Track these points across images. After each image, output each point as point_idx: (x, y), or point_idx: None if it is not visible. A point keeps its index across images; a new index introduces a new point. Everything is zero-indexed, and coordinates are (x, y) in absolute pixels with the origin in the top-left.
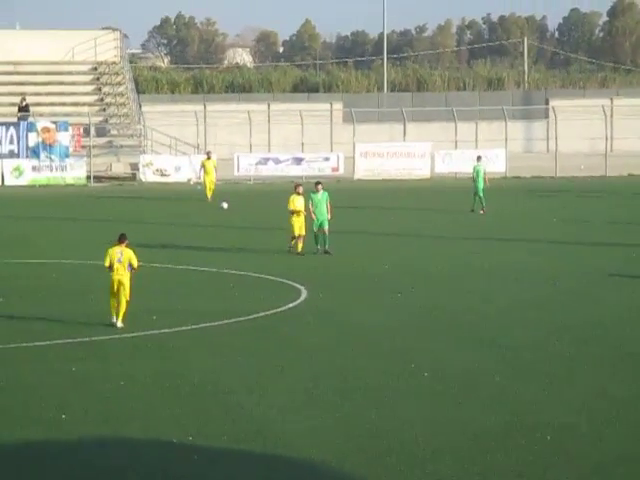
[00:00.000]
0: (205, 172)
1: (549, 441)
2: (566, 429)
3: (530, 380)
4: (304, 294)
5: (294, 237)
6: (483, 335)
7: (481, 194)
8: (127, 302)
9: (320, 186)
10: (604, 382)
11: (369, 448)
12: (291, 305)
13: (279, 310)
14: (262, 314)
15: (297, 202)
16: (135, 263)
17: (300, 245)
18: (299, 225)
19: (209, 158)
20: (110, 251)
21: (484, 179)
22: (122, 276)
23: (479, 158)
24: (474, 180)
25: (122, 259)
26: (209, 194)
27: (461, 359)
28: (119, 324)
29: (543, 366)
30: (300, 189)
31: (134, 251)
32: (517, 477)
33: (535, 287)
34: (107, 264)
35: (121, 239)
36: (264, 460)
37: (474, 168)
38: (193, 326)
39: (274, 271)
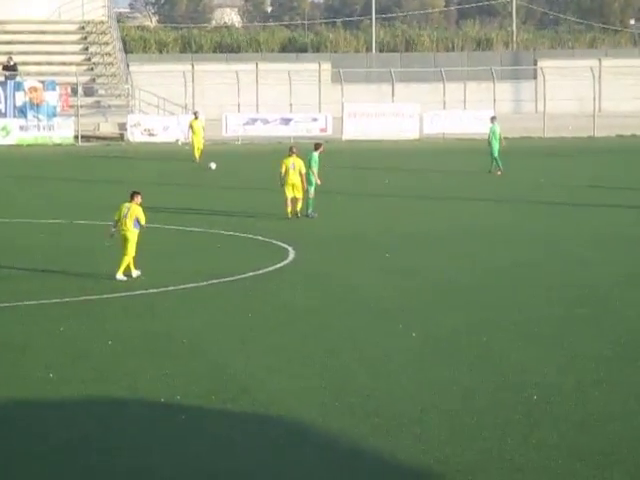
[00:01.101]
0: (193, 132)
1: (535, 400)
2: (553, 389)
3: (517, 340)
4: (292, 254)
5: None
6: (471, 296)
7: (496, 155)
8: (127, 256)
9: (322, 147)
10: (592, 343)
11: (357, 408)
12: (279, 265)
13: (267, 270)
14: (250, 274)
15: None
16: (142, 220)
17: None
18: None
19: (197, 118)
20: (121, 206)
21: (500, 140)
22: (126, 231)
23: (494, 118)
24: (489, 141)
25: (128, 214)
26: (197, 154)
27: (449, 320)
28: (118, 276)
29: (531, 327)
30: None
31: (144, 210)
32: (503, 436)
33: (525, 249)
34: (115, 218)
35: (132, 196)
36: (252, 419)
37: (490, 129)
38: (181, 286)
39: (262, 232)
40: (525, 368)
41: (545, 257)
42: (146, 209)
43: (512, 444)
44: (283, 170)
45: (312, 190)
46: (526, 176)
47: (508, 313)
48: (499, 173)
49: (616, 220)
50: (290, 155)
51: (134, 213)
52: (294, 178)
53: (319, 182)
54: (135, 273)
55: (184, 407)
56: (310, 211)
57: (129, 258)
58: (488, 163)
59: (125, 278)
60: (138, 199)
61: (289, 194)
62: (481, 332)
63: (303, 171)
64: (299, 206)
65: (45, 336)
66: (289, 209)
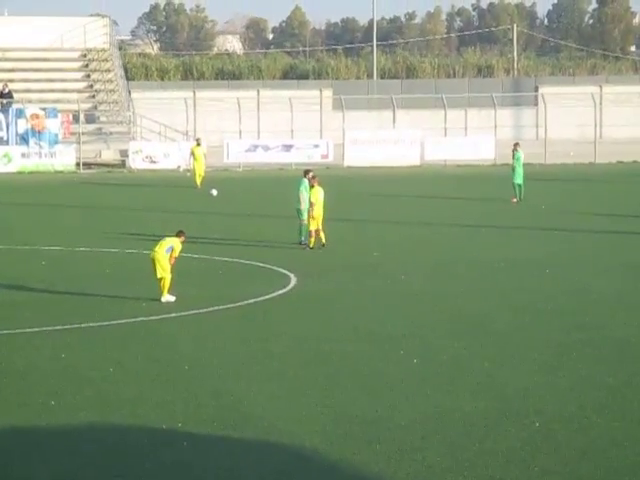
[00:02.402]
0: (194, 159)
1: (537, 427)
2: (554, 415)
3: (519, 366)
4: (293, 281)
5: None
6: (472, 321)
7: (521, 182)
8: (164, 278)
9: (311, 174)
10: (593, 369)
11: (358, 435)
12: (280, 292)
13: (268, 297)
14: (251, 301)
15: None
16: (175, 252)
17: (313, 240)
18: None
19: (198, 145)
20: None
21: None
22: (156, 253)
23: (517, 145)
24: (513, 168)
25: (163, 243)
26: (198, 181)
27: (450, 345)
28: (163, 299)
29: (532, 352)
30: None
31: (182, 245)
32: (505, 463)
33: (527, 275)
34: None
35: (178, 234)
36: (254, 446)
37: (515, 156)
38: (182, 313)
39: (263, 258)
40: (527, 394)
41: (547, 283)
42: (147, 236)
43: (514, 471)
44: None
45: (306, 217)
46: (528, 203)
47: (509, 339)
48: (515, 200)
49: (617, 246)
50: (312, 185)
51: (170, 243)
52: (320, 209)
53: (303, 208)
54: (165, 299)
55: (186, 434)
56: (303, 238)
57: (168, 278)
58: (496, 189)
59: (173, 298)
60: (182, 237)
61: (313, 226)
62: (483, 358)
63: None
64: (322, 236)
65: (46, 363)
66: (312, 239)
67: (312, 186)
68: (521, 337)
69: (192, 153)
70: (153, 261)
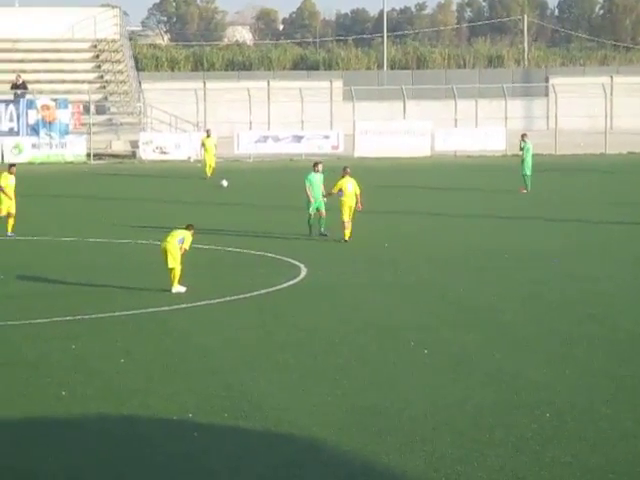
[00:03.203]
0: (205, 150)
1: (548, 418)
2: (565, 407)
3: (529, 358)
4: (304, 272)
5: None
6: (482, 312)
7: (529, 173)
8: (174, 268)
9: (320, 166)
10: (603, 361)
11: (369, 425)
12: (291, 283)
13: (279, 288)
14: (262, 292)
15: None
16: (186, 243)
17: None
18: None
19: (209, 136)
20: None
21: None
22: (167, 243)
23: (525, 136)
24: (523, 159)
25: (174, 234)
26: (209, 172)
27: (460, 337)
28: (173, 289)
29: (542, 343)
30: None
31: (192, 238)
32: (516, 454)
33: (534, 266)
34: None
35: (188, 226)
36: (264, 437)
37: (524, 147)
38: (193, 304)
39: (274, 249)
40: (537, 386)
41: (557, 274)
42: (158, 227)
43: (525, 462)
44: (336, 190)
45: (323, 209)
46: (539, 193)
47: (519, 330)
48: (524, 191)
49: (628, 238)
50: (344, 176)
51: (182, 234)
52: (350, 200)
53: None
54: (176, 289)
55: (196, 425)
56: (323, 229)
57: (179, 268)
58: (505, 180)
59: (184, 289)
60: (192, 230)
61: (345, 217)
62: (493, 349)
63: (358, 192)
64: (348, 230)
65: (57, 354)
66: (347, 232)
67: (343, 176)
68: (531, 328)
69: (203, 144)
70: (165, 251)
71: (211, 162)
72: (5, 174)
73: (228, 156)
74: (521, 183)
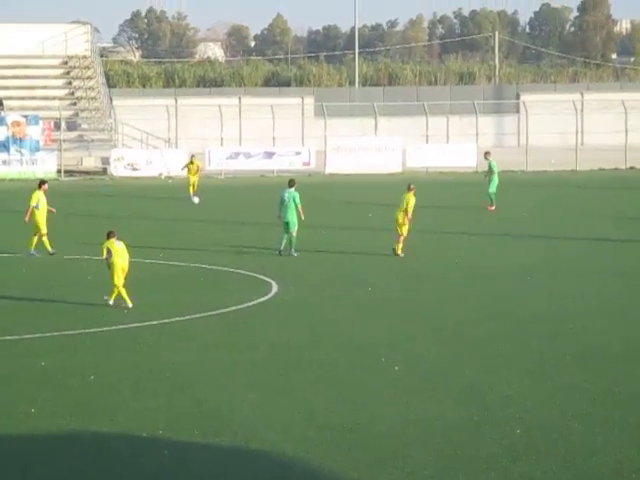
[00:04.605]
0: (189, 172)
1: (518, 434)
2: (535, 422)
3: (500, 374)
4: (275, 288)
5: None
6: (453, 329)
7: (495, 190)
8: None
9: (292, 183)
10: (573, 376)
11: (340, 442)
12: (262, 299)
13: (250, 304)
14: (233, 308)
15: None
16: (104, 253)
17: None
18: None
19: (192, 162)
20: (107, 243)
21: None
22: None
23: (487, 154)
24: (491, 177)
25: (121, 243)
26: (191, 190)
27: (431, 353)
28: (112, 302)
29: (513, 359)
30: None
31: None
32: (486, 470)
33: (508, 282)
34: (106, 254)
35: (110, 234)
36: (235, 454)
37: (490, 164)
38: (163, 320)
39: (245, 266)
40: (508, 402)
41: (529, 290)
42: (129, 243)
43: (495, 478)
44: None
45: (296, 228)
46: (509, 210)
47: (491, 346)
48: (492, 209)
49: (599, 253)
50: (408, 191)
51: (107, 245)
52: (397, 215)
53: (303, 218)
54: (107, 297)
55: (167, 442)
56: (293, 250)
57: (115, 286)
58: (478, 197)
59: (107, 300)
60: (111, 237)
61: (405, 231)
62: (464, 366)
63: (409, 209)
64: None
65: (27, 371)
66: (399, 247)
67: (409, 191)
68: (502, 344)
69: (188, 168)
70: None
71: (194, 183)
72: (37, 192)
73: (199, 172)
74: (487, 201)
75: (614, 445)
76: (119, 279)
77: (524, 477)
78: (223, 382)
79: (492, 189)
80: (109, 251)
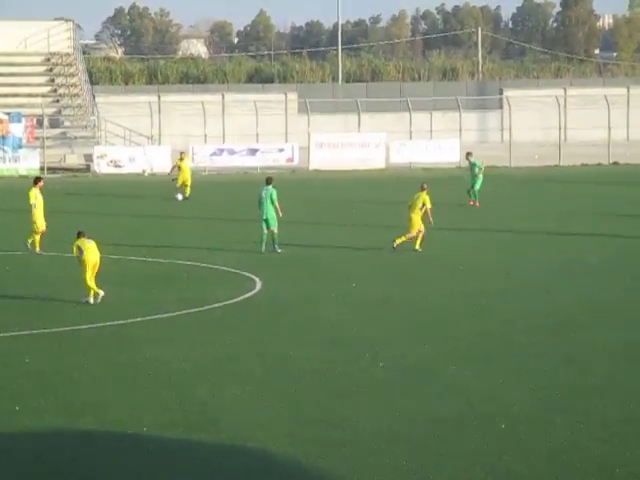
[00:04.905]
0: (181, 170)
1: (503, 429)
2: (520, 418)
3: (484, 369)
4: (259, 285)
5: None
6: (437, 325)
7: (479, 187)
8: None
9: (269, 181)
10: (557, 371)
11: (324, 438)
12: (246, 296)
13: (234, 301)
14: (217, 305)
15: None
16: (74, 251)
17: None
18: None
19: (182, 159)
20: (78, 242)
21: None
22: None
23: (469, 154)
24: (474, 175)
25: (91, 241)
26: (187, 191)
27: (416, 349)
28: (91, 300)
29: (496, 355)
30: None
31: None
32: (471, 465)
33: (491, 278)
34: (77, 253)
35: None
36: (220, 450)
37: (474, 163)
38: (147, 317)
39: (229, 262)
40: (492, 397)
41: (509, 286)
42: (113, 239)
43: (480, 473)
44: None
45: (276, 225)
46: (492, 205)
47: (474, 342)
48: (473, 204)
49: (581, 248)
50: (422, 191)
51: (78, 243)
52: (410, 214)
53: (281, 215)
54: (85, 299)
55: (151, 438)
56: (277, 246)
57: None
58: (461, 193)
59: (87, 301)
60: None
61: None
62: (449, 361)
63: (427, 207)
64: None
65: (10, 368)
66: (399, 239)
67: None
68: (485, 340)
69: (178, 167)
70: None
71: (186, 181)
72: (33, 190)
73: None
74: (472, 197)
75: (598, 441)
76: (91, 277)
77: (509, 472)
78: (207, 378)
79: (478, 186)
80: (80, 249)
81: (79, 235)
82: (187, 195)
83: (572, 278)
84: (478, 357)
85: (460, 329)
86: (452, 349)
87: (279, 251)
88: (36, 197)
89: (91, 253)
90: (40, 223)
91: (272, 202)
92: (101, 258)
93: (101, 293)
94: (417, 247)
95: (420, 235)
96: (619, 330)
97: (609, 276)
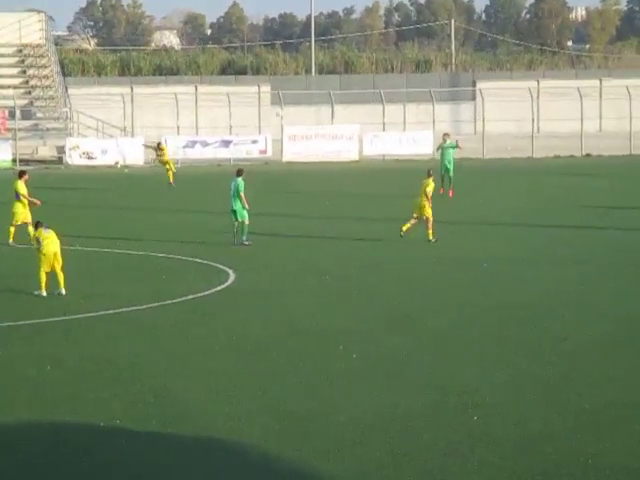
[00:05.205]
0: (161, 161)
1: (476, 421)
2: (493, 409)
3: (457, 361)
4: (232, 277)
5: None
6: (411, 316)
7: (452, 173)
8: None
9: (239, 173)
10: (530, 363)
11: (297, 431)
12: (219, 288)
13: (206, 293)
14: (189, 297)
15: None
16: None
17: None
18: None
19: (161, 149)
20: (36, 232)
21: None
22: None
23: (447, 135)
24: (448, 160)
25: (49, 231)
26: (172, 178)
27: (389, 341)
28: (64, 291)
29: (470, 347)
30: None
31: (35, 234)
32: (444, 457)
33: (464, 269)
34: (36, 244)
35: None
36: (192, 443)
37: (449, 145)
38: (120, 310)
39: (202, 254)
40: (466, 389)
41: (483, 277)
42: (84, 233)
43: (452, 465)
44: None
45: (246, 216)
46: (466, 197)
47: (448, 334)
48: (444, 192)
49: (556, 240)
50: (428, 177)
51: (36, 234)
52: (419, 201)
53: (247, 207)
54: (37, 292)
55: (124, 431)
56: (244, 238)
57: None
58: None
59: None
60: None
61: (414, 213)
62: (422, 353)
63: (428, 193)
64: (407, 226)
65: None
66: (405, 225)
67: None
68: (459, 332)
69: (157, 156)
70: (55, 253)
71: (171, 167)
72: (19, 182)
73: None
74: (446, 185)
75: (571, 431)
76: (47, 267)
77: (482, 463)
78: (181, 371)
79: (452, 173)
80: (38, 240)
81: (37, 226)
82: (171, 182)
83: (550, 271)
84: (452, 349)
85: (434, 321)
86: (425, 341)
87: (246, 243)
88: (23, 189)
89: (50, 243)
90: (22, 216)
91: (238, 194)
92: (62, 248)
93: (63, 292)
94: (430, 238)
95: (429, 224)
96: (592, 322)
97: (579, 268)
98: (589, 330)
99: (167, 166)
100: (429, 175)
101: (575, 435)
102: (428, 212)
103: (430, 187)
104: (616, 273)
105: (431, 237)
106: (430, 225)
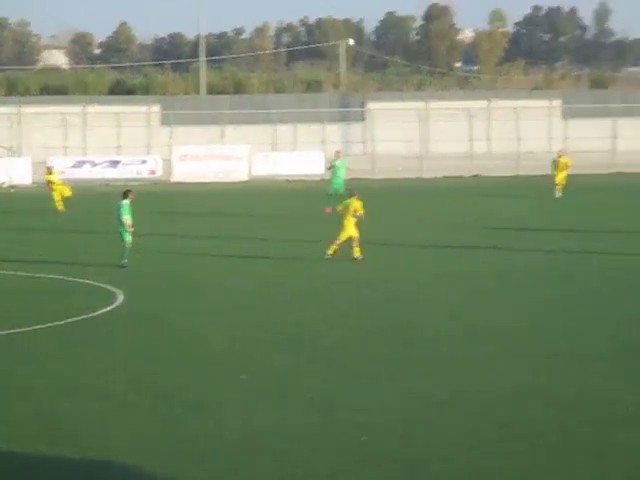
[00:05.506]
0: (52, 188)
1: (364, 441)
2: (380, 429)
3: (346, 381)
4: (120, 298)
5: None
6: (299, 336)
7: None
8: None
9: (125, 195)
10: (419, 383)
11: (186, 453)
12: (107, 309)
13: (94, 314)
14: (78, 318)
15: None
16: None
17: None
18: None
19: (50, 173)
20: None
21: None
22: None
23: (340, 152)
24: (337, 177)
25: None
26: (60, 206)
27: (277, 361)
28: None
29: (359, 367)
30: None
31: None
32: (332, 476)
33: (360, 291)
34: None
35: None
36: (79, 465)
37: (340, 164)
38: (3, 332)
39: (89, 275)
40: (355, 409)
41: (378, 298)
42: None
43: None
44: (340, 209)
45: (127, 239)
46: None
47: (337, 353)
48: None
49: (443, 258)
50: (351, 196)
51: None
52: (342, 219)
53: (132, 229)
54: None
55: (10, 454)
56: (123, 261)
57: None
58: (324, 205)
59: None
60: None
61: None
62: (310, 373)
63: (360, 213)
64: (354, 249)
65: None
66: (331, 248)
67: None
68: (349, 352)
69: (48, 182)
70: None
71: (64, 192)
72: None
73: (42, 181)
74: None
75: (459, 450)
76: None
77: None
78: (67, 393)
79: (341, 189)
80: None
81: None
82: (62, 209)
83: (438, 289)
84: (342, 369)
85: (325, 341)
86: (314, 360)
87: (124, 266)
88: None
89: None
90: None
91: (120, 216)
92: None
93: None
94: (356, 255)
95: (355, 242)
96: (478, 336)
97: (456, 282)
98: (474, 347)
99: (57, 190)
100: (352, 195)
101: (463, 453)
102: (354, 231)
103: (353, 206)
104: (505, 289)
105: (357, 254)
106: (355, 244)
